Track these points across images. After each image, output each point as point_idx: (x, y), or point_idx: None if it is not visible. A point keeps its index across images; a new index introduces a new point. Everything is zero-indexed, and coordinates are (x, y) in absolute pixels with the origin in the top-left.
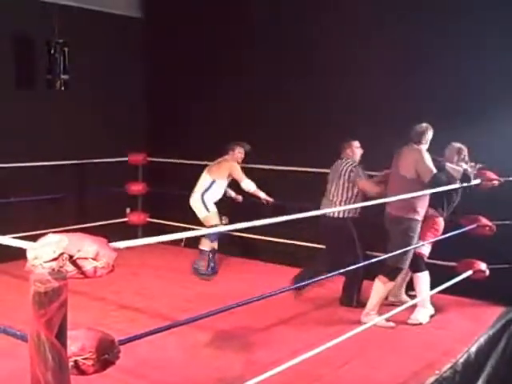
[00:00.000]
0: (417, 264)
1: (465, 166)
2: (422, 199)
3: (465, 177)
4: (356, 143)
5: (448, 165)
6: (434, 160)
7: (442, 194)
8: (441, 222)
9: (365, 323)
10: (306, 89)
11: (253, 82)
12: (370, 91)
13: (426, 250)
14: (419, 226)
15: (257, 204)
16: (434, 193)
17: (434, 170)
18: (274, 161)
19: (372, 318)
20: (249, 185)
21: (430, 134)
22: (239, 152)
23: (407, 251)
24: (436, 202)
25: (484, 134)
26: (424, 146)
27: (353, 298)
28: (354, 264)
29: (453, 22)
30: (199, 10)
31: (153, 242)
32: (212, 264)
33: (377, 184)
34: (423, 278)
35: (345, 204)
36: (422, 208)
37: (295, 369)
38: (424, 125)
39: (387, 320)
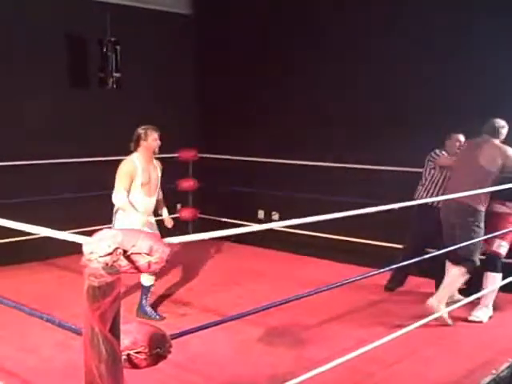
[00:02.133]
0: (493, 263)
1: None
2: (490, 193)
3: None
4: (457, 136)
5: None
6: None
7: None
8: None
9: (431, 307)
10: (363, 87)
11: (305, 81)
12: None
13: (503, 249)
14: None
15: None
16: (509, 189)
17: None
18: (321, 158)
19: (439, 308)
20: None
21: (505, 130)
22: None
23: (477, 243)
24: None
25: None
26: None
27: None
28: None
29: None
30: (251, 6)
31: (206, 237)
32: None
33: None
34: (496, 279)
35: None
36: (488, 201)
37: (347, 365)
38: (501, 120)
39: (448, 316)
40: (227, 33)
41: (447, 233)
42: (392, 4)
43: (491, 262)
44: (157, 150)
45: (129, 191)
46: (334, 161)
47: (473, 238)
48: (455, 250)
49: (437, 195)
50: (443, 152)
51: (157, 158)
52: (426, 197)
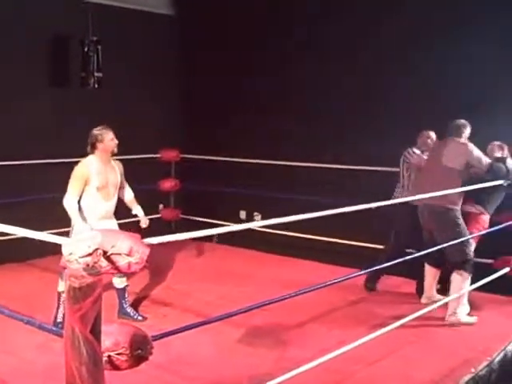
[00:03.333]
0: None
1: None
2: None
3: None
4: (428, 133)
5: (508, 160)
6: (494, 156)
7: (488, 191)
8: (485, 220)
9: (453, 322)
10: (343, 88)
11: (289, 81)
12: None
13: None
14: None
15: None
16: (479, 189)
17: (489, 161)
18: (295, 158)
19: (459, 315)
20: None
21: (468, 130)
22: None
23: (466, 240)
24: (481, 198)
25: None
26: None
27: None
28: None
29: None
30: (234, 6)
31: (186, 237)
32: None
33: None
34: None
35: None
36: (461, 200)
37: (328, 365)
38: (463, 120)
39: (470, 315)
40: (210, 33)
41: (426, 236)
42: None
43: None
44: (115, 149)
45: (81, 196)
46: (317, 161)
47: (457, 238)
48: (434, 253)
49: (416, 194)
50: (415, 150)
51: (117, 159)
52: (405, 196)
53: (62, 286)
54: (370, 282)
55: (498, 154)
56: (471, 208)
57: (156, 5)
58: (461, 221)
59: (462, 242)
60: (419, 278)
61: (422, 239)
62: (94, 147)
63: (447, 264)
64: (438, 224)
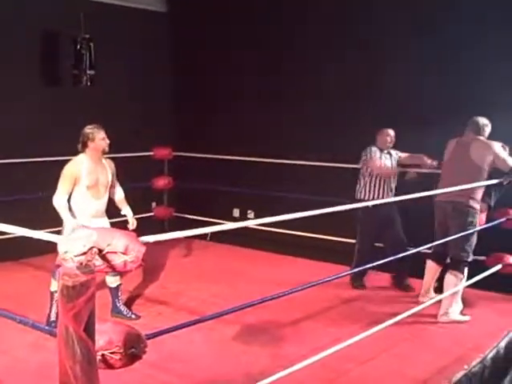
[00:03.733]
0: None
1: None
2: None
3: None
4: (387, 131)
5: None
6: None
7: (494, 189)
8: (482, 218)
9: (445, 321)
10: (333, 85)
11: (281, 80)
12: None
13: None
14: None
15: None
16: (491, 186)
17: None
18: (296, 157)
19: (451, 315)
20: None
21: (489, 129)
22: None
23: (472, 243)
24: (487, 194)
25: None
26: None
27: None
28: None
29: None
30: (226, 4)
31: (181, 236)
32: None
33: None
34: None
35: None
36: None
37: (322, 363)
38: (485, 119)
39: (463, 314)
40: (202, 31)
41: (439, 232)
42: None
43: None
44: (106, 148)
45: (71, 194)
46: (310, 159)
47: (468, 239)
48: (441, 249)
49: (379, 193)
50: (373, 148)
51: (110, 157)
52: (368, 195)
53: (54, 286)
54: (356, 280)
55: None
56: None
57: (148, 2)
58: (476, 223)
59: (469, 242)
60: (397, 271)
61: (389, 237)
62: (84, 146)
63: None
64: (458, 220)
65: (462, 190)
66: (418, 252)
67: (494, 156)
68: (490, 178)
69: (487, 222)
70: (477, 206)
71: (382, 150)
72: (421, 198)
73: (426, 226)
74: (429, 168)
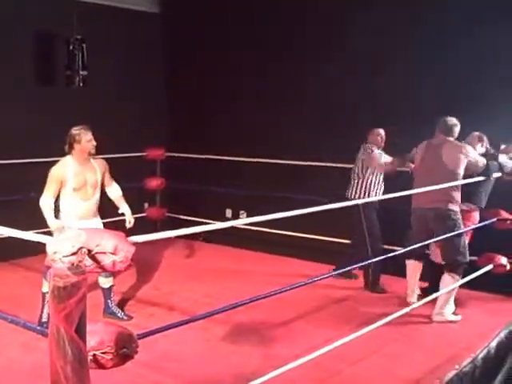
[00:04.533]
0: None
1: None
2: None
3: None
4: (378, 131)
5: (501, 156)
6: (487, 152)
7: (480, 188)
8: (475, 216)
9: (440, 321)
10: (325, 87)
11: (275, 80)
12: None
13: None
14: None
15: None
16: (472, 187)
17: (485, 160)
18: (288, 157)
19: (445, 314)
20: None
21: (458, 128)
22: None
23: (464, 243)
24: (474, 196)
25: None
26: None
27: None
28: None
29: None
30: (220, 4)
31: (171, 236)
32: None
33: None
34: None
35: (362, 189)
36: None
37: (314, 363)
38: (454, 119)
39: (455, 314)
40: (195, 31)
41: (421, 236)
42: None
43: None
44: (93, 151)
45: (59, 196)
46: (303, 159)
47: (460, 241)
48: (419, 248)
49: (375, 194)
50: (373, 148)
51: (103, 158)
52: (363, 195)
53: (46, 287)
54: (374, 285)
55: (481, 149)
56: (462, 206)
57: (141, 3)
58: (460, 223)
59: (461, 243)
60: (371, 272)
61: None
62: (71, 147)
63: (439, 264)
64: (444, 226)
65: (440, 194)
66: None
67: (466, 158)
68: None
69: (480, 222)
70: (456, 208)
71: (376, 148)
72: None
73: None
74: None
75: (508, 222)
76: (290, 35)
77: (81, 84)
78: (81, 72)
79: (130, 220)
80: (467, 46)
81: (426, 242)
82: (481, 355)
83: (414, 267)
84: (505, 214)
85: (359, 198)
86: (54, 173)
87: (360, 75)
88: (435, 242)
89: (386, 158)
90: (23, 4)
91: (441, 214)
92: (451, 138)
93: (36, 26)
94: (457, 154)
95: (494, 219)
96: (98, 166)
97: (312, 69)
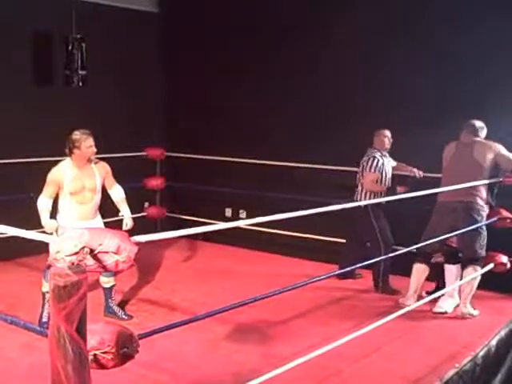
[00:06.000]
0: (455, 256)
1: None
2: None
3: None
4: (384, 132)
5: None
6: None
7: (494, 187)
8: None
9: (463, 315)
10: (322, 87)
11: (273, 80)
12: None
13: None
14: None
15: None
16: (488, 185)
17: None
18: (287, 157)
19: (467, 308)
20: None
21: (485, 132)
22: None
23: (485, 239)
24: (490, 196)
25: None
26: None
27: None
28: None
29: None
30: (216, 5)
31: (174, 236)
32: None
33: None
34: (454, 270)
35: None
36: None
37: (314, 362)
38: (480, 122)
39: (474, 308)
40: (194, 31)
41: (441, 232)
42: None
43: (453, 255)
44: (92, 157)
45: (58, 197)
46: (303, 161)
47: (482, 236)
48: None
49: (380, 196)
50: (376, 155)
51: (102, 158)
52: (369, 199)
53: (46, 287)
54: (385, 286)
55: None
56: None
57: (140, 2)
58: (484, 219)
59: (482, 238)
60: (381, 273)
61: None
62: (70, 151)
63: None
64: (470, 219)
65: (470, 189)
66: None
67: (496, 154)
68: (493, 177)
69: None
70: (484, 204)
71: (381, 153)
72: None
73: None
74: (413, 178)
75: (508, 220)
76: (290, 35)
77: (80, 84)
78: (80, 71)
79: (126, 223)
80: (469, 43)
81: (446, 236)
82: (481, 353)
83: (421, 271)
84: (505, 213)
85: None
86: (52, 176)
87: (359, 76)
88: (458, 234)
89: (388, 165)
90: (22, 3)
91: (470, 207)
92: (480, 138)
93: (35, 26)
94: (487, 150)
95: (495, 218)
96: (98, 171)
97: (311, 69)
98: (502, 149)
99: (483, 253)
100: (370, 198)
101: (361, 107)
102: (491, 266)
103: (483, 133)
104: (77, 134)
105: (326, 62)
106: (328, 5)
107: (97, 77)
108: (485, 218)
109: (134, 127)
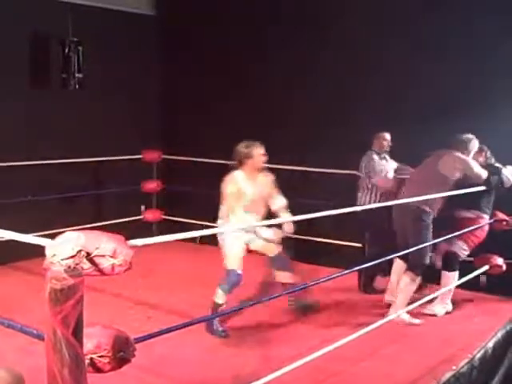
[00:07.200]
0: (451, 263)
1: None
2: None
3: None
4: (384, 135)
5: (504, 170)
6: (490, 165)
7: (488, 197)
8: (483, 223)
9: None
10: (320, 89)
11: (267, 81)
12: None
13: (464, 253)
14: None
15: None
16: (480, 195)
17: (486, 174)
18: (285, 160)
19: (401, 316)
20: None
21: (473, 143)
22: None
23: (427, 246)
24: (483, 204)
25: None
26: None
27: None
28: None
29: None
30: (213, 7)
31: (170, 239)
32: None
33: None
34: (452, 278)
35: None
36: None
37: (312, 365)
38: (469, 135)
39: (413, 316)
40: (190, 33)
41: (400, 236)
42: None
43: (450, 262)
44: (262, 165)
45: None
46: (301, 163)
47: (422, 242)
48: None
49: (380, 198)
50: (375, 158)
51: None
52: (371, 201)
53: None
54: (366, 286)
55: (480, 159)
56: (466, 213)
57: (137, 5)
58: (430, 225)
59: (424, 245)
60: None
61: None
62: (241, 163)
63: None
64: (412, 223)
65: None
66: None
67: (465, 167)
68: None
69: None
70: (427, 208)
71: (379, 155)
72: None
73: None
74: None
75: (504, 223)
76: (288, 35)
77: (76, 86)
78: (76, 74)
79: (285, 228)
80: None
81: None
82: (478, 356)
83: (398, 266)
84: (501, 215)
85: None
86: (230, 188)
87: (359, 77)
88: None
89: (388, 165)
90: (19, 6)
91: (410, 209)
92: (457, 152)
93: (31, 29)
94: (455, 163)
95: (491, 220)
96: (266, 180)
97: (311, 70)
98: (472, 165)
99: (424, 261)
100: (367, 200)
101: (361, 107)
102: (486, 267)
103: (469, 146)
104: (247, 145)
105: (326, 62)
106: (328, 5)
107: (93, 80)
108: (429, 225)
109: (130, 130)
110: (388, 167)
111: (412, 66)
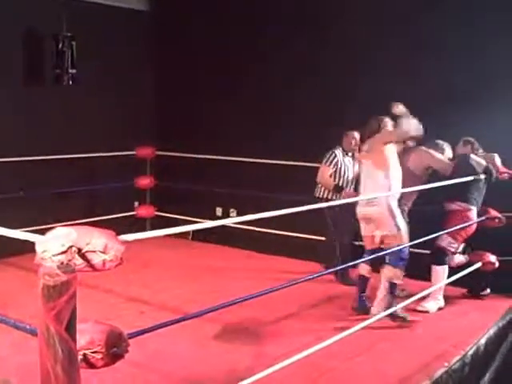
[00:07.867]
0: (440, 258)
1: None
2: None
3: (487, 170)
4: (353, 133)
5: (472, 158)
6: (460, 155)
7: (472, 188)
8: (470, 216)
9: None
10: (312, 86)
11: (260, 78)
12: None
13: (453, 247)
14: None
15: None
16: (464, 187)
17: (450, 162)
18: (279, 156)
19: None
20: None
21: (447, 151)
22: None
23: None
24: (468, 195)
25: (484, 123)
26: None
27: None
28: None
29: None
30: (207, 3)
31: (161, 234)
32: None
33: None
34: (440, 272)
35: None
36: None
37: (305, 361)
38: (441, 142)
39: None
40: (184, 29)
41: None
42: None
43: (439, 256)
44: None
45: None
46: (292, 159)
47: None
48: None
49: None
50: (336, 152)
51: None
52: (325, 194)
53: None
54: (343, 276)
55: (465, 154)
56: (453, 206)
57: (130, 1)
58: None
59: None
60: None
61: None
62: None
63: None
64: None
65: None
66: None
67: (429, 161)
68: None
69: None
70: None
71: (346, 153)
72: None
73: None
74: None
75: (496, 220)
76: (283, 34)
77: (70, 82)
78: (70, 70)
79: None
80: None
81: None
82: (470, 352)
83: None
84: (493, 213)
85: (323, 196)
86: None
87: (359, 77)
88: None
89: (350, 165)
90: (11, 2)
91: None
92: (423, 147)
93: (24, 24)
94: (421, 157)
95: (483, 217)
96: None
97: (311, 70)
98: (435, 155)
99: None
100: (325, 193)
101: (361, 107)
102: (479, 264)
103: (445, 149)
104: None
105: (326, 62)
106: (328, 5)
107: (87, 75)
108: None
109: (124, 126)
110: (344, 168)
111: (412, 65)
